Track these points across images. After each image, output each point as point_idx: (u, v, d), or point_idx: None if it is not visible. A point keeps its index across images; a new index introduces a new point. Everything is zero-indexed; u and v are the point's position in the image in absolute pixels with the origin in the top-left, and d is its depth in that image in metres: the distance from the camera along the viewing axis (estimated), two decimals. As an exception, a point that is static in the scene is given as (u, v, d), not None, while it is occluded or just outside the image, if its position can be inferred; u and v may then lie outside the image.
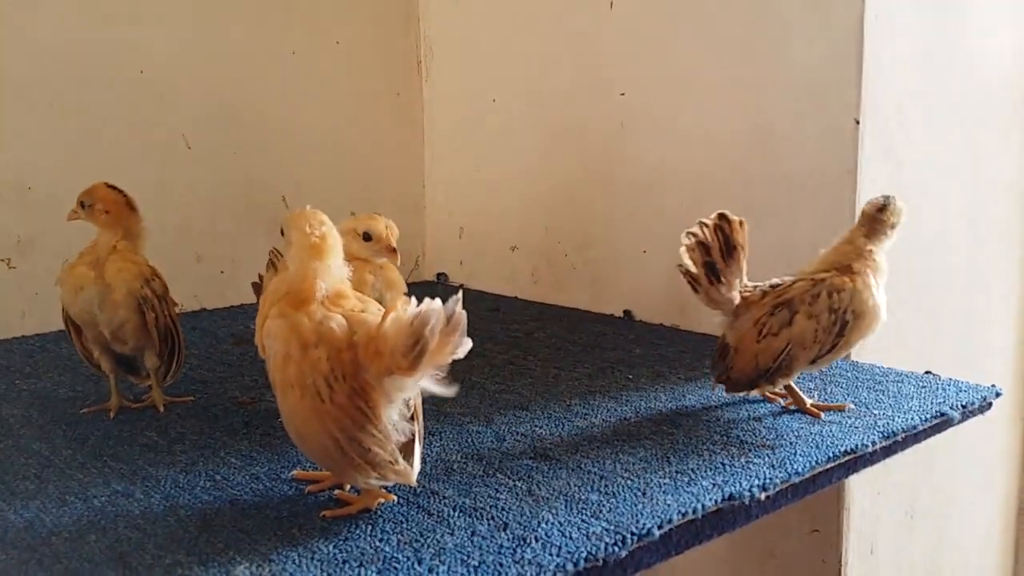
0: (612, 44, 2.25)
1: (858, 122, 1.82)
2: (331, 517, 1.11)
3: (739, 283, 1.46)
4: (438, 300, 1.01)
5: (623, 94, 2.25)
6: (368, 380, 1.06)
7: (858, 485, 1.84)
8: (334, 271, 1.14)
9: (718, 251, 1.44)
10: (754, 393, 1.51)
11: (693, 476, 1.20)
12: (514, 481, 1.20)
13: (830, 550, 1.85)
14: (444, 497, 1.16)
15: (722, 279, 1.44)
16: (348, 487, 1.19)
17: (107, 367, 1.59)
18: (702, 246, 1.44)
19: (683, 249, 1.47)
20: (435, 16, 2.81)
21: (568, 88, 2.39)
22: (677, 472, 1.21)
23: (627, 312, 2.25)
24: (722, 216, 1.44)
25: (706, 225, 1.45)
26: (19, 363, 1.93)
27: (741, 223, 1.44)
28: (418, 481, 1.19)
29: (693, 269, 1.47)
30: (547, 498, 1.14)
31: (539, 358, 1.88)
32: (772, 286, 1.47)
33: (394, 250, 1.44)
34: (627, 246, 2.26)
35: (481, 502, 1.14)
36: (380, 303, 1.19)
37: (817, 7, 1.84)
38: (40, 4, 2.15)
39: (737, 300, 1.46)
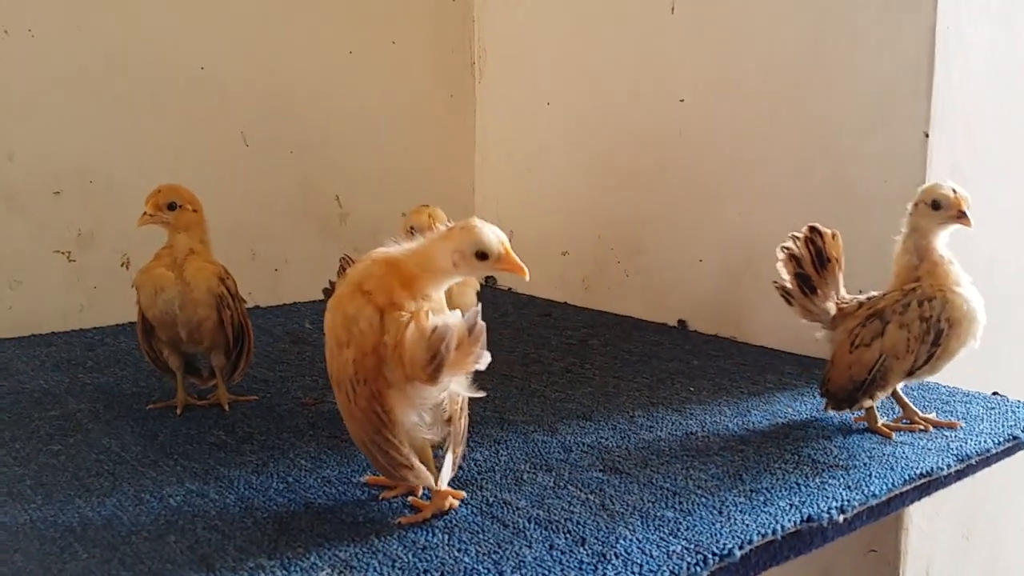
0: (672, 49, 2.24)
1: (927, 135, 1.80)
2: (407, 523, 1.11)
3: (835, 295, 1.45)
4: (458, 313, 1.04)
5: (683, 100, 2.23)
6: (385, 385, 1.08)
7: (916, 506, 1.81)
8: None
9: (810, 263, 1.43)
10: (859, 420, 1.50)
11: (768, 496, 1.18)
12: (586, 494, 1.20)
13: (887, 570, 1.82)
14: (517, 508, 1.15)
15: (816, 291, 1.43)
16: (420, 493, 1.19)
17: (175, 366, 1.60)
18: (794, 259, 1.44)
19: (779, 263, 1.47)
20: (491, 19, 2.81)
21: (625, 93, 2.38)
22: (751, 491, 1.20)
23: (681, 322, 2.24)
24: (813, 229, 1.44)
25: (798, 238, 1.44)
26: (80, 356, 1.95)
27: (834, 235, 1.44)
28: (489, 490, 1.19)
29: (786, 282, 1.46)
30: (622, 513, 1.13)
31: (596, 366, 1.87)
32: (869, 297, 1.45)
33: None
34: (682, 255, 2.24)
35: (555, 515, 1.13)
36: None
37: (888, 18, 1.81)
38: (105, 4, 2.17)
39: (833, 312, 1.45)
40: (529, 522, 1.11)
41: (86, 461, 1.34)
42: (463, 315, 1.03)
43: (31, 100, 2.11)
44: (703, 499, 1.17)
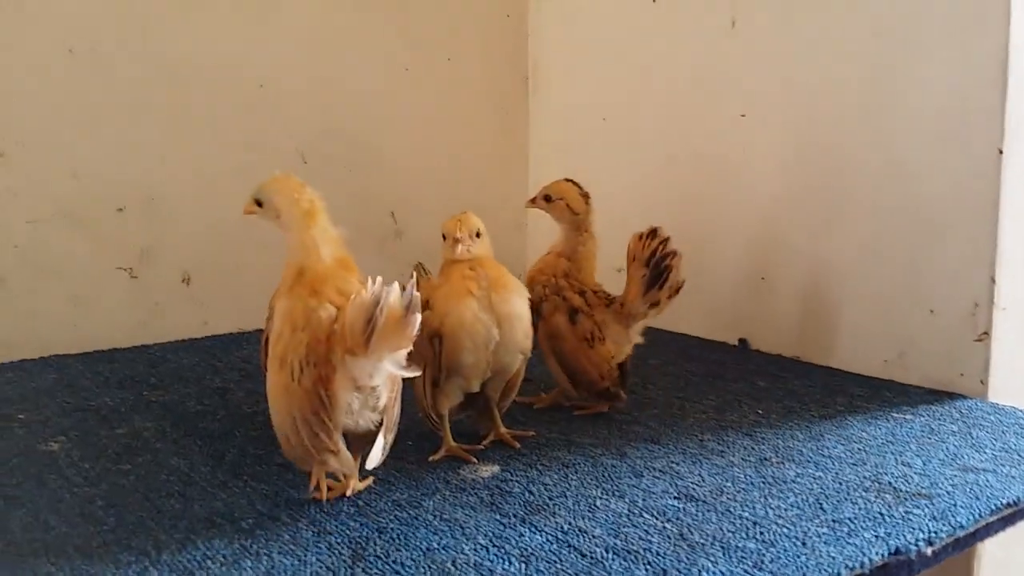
0: (733, 64, 2.21)
1: (1001, 151, 1.75)
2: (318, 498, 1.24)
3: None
4: (396, 283, 1.10)
5: (743, 116, 2.20)
6: (331, 370, 1.15)
7: (991, 532, 1.76)
8: (331, 233, 1.29)
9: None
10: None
11: (852, 526, 1.15)
12: (662, 523, 1.17)
13: (960, 600, 1.77)
14: (593, 536, 1.13)
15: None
16: (351, 491, 1.27)
17: None
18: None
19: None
20: (545, 34, 2.80)
21: (683, 108, 2.35)
22: (834, 521, 1.16)
23: (742, 341, 2.20)
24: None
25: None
26: (143, 373, 1.97)
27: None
28: (563, 516, 1.17)
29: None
30: (702, 544, 1.10)
31: (659, 387, 1.84)
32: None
33: (455, 240, 1.43)
34: (743, 273, 2.21)
35: (633, 544, 1.11)
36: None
37: (959, 33, 1.77)
38: (167, 21, 2.20)
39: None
40: (607, 552, 1.09)
41: (156, 481, 1.35)
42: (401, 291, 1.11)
43: (94, 118, 2.13)
44: (785, 529, 1.14)
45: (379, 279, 1.12)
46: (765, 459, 1.41)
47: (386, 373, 1.17)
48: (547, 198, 1.74)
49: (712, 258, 2.29)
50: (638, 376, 1.92)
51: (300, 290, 1.23)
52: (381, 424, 1.20)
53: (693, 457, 1.42)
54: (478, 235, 1.46)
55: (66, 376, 1.95)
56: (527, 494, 1.27)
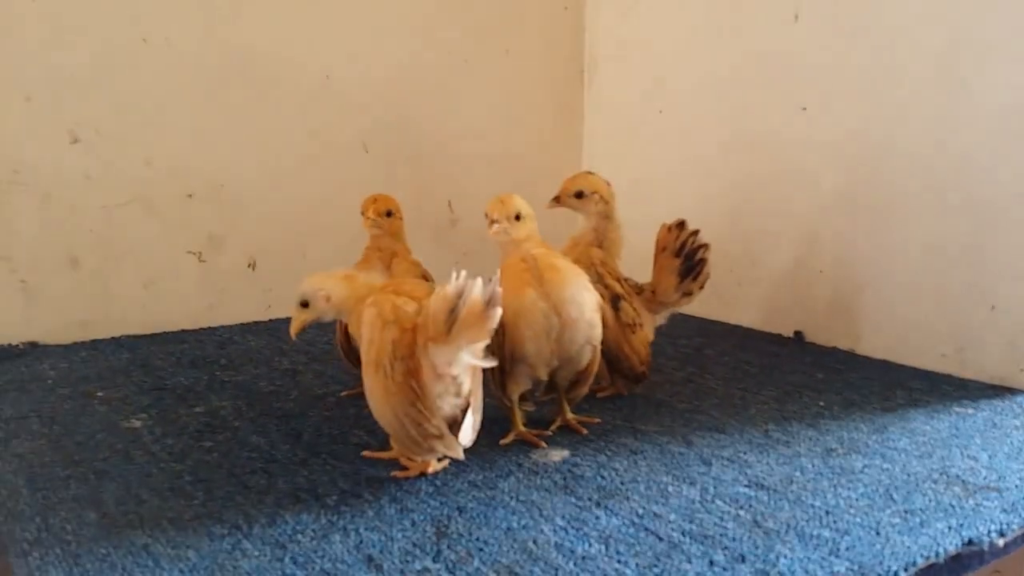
0: (795, 57, 2.21)
1: (1068, 149, 1.75)
2: (401, 477, 1.31)
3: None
4: (479, 279, 1.15)
5: (805, 109, 2.20)
6: (419, 360, 1.20)
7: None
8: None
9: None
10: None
11: (924, 517, 1.17)
12: (736, 509, 1.20)
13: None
14: (669, 521, 1.16)
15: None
16: (432, 469, 1.34)
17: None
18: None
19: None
20: (602, 27, 2.81)
21: (743, 101, 2.36)
22: (906, 512, 1.18)
23: (798, 333, 2.21)
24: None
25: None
26: (214, 354, 2.03)
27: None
28: (636, 501, 1.21)
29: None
30: (777, 531, 1.13)
31: (718, 377, 1.87)
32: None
33: (492, 221, 1.46)
34: (801, 265, 2.22)
35: (709, 529, 1.14)
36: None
37: (1025, 28, 1.76)
38: (237, 14, 2.25)
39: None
40: (684, 535, 1.12)
41: (239, 458, 1.40)
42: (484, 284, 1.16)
43: (167, 108, 2.19)
44: (858, 519, 1.16)
45: (463, 273, 1.16)
46: (831, 450, 1.43)
47: (465, 363, 1.22)
48: (579, 194, 1.73)
49: (769, 250, 2.30)
50: (696, 366, 1.95)
51: (382, 295, 1.31)
52: (467, 408, 1.25)
53: (759, 447, 1.44)
54: (518, 218, 1.47)
55: (139, 356, 2.01)
56: (599, 479, 1.31)
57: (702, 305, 2.47)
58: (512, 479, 1.31)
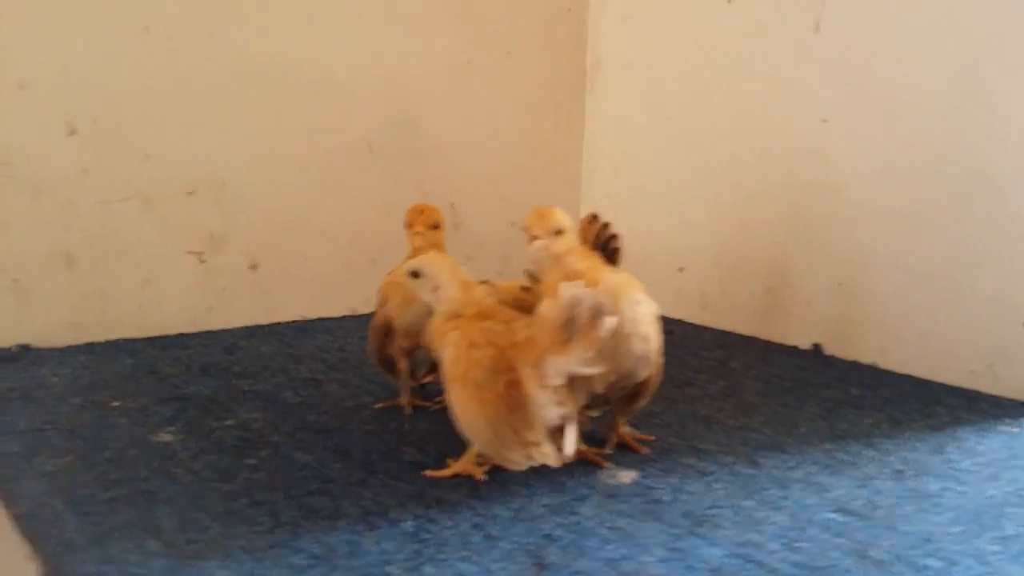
0: (816, 69, 2.19)
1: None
2: (431, 476, 1.32)
3: None
4: (588, 289, 1.17)
5: (825, 121, 2.19)
6: (524, 372, 1.20)
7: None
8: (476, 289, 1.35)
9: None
10: None
11: (1021, 545, 1.15)
12: (833, 537, 1.16)
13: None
14: (771, 551, 1.12)
15: None
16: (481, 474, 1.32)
17: (404, 368, 1.63)
18: None
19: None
20: (605, 30, 2.76)
21: (759, 111, 2.33)
22: (1002, 538, 1.16)
23: (816, 346, 2.20)
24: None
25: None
26: (222, 360, 1.93)
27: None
28: (730, 529, 1.17)
29: None
30: (885, 561, 1.10)
31: (753, 391, 1.84)
32: None
33: (532, 237, 1.39)
34: (819, 278, 2.20)
35: (816, 560, 1.10)
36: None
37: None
38: (237, 14, 2.15)
39: None
40: (795, 567, 1.08)
41: (292, 478, 1.31)
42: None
43: (168, 100, 2.08)
44: (958, 547, 1.14)
45: (571, 284, 1.12)
46: (899, 471, 1.40)
47: (570, 372, 1.19)
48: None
49: (785, 261, 2.29)
50: (727, 380, 1.92)
51: (467, 321, 1.30)
52: (568, 416, 1.23)
53: (827, 468, 1.41)
54: (558, 232, 1.40)
55: (143, 361, 1.90)
56: (679, 503, 1.26)
57: (711, 315, 2.47)
58: (590, 503, 1.25)
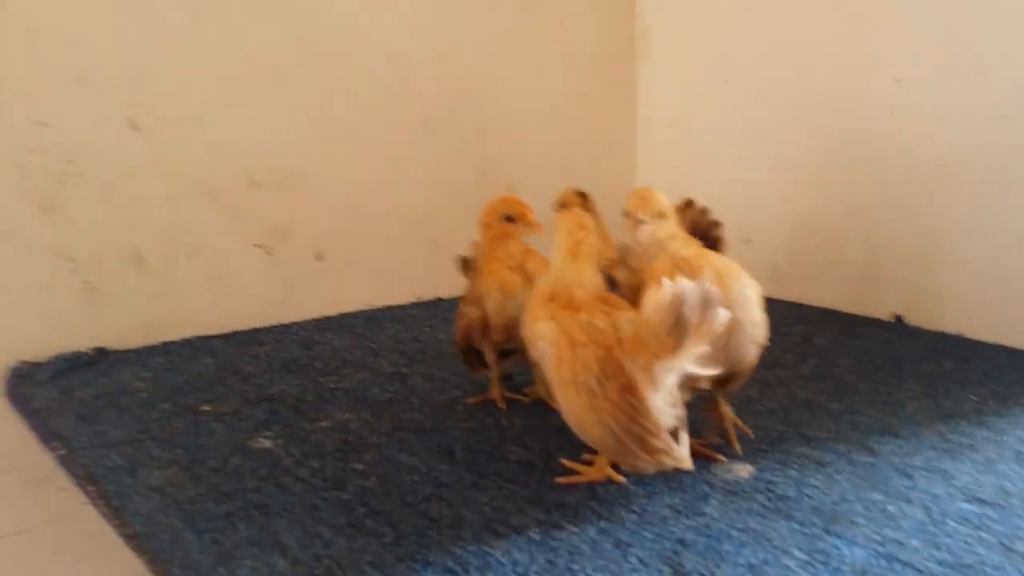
0: (888, 24, 2.11)
1: None
2: (564, 483, 1.26)
3: None
4: (692, 283, 1.09)
5: (899, 80, 2.11)
6: (635, 375, 1.13)
7: None
8: (589, 275, 1.26)
9: None
10: None
11: None
12: (975, 531, 1.12)
13: None
14: (914, 548, 1.08)
15: None
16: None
17: (493, 362, 1.59)
18: None
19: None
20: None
21: (826, 71, 2.26)
22: None
23: (898, 317, 2.15)
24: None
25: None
26: (301, 355, 1.90)
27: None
28: (865, 525, 1.13)
29: None
30: (1036, 556, 1.06)
31: (846, 369, 1.79)
32: None
33: (638, 222, 1.35)
34: (900, 245, 2.14)
35: (963, 557, 1.06)
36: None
37: None
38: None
39: None
40: (943, 566, 1.04)
41: (402, 483, 1.29)
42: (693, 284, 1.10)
43: (225, 89, 2.03)
44: (1110, 538, 1.10)
45: (676, 279, 1.08)
46: (1019, 452, 1.36)
47: (683, 372, 1.14)
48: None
49: (860, 229, 2.23)
50: (817, 357, 1.87)
51: (560, 310, 1.22)
52: (680, 417, 1.18)
53: (946, 452, 1.37)
54: (660, 215, 1.36)
55: (222, 360, 1.88)
56: (805, 498, 1.22)
57: (783, 287, 2.41)
58: (714, 502, 1.22)
